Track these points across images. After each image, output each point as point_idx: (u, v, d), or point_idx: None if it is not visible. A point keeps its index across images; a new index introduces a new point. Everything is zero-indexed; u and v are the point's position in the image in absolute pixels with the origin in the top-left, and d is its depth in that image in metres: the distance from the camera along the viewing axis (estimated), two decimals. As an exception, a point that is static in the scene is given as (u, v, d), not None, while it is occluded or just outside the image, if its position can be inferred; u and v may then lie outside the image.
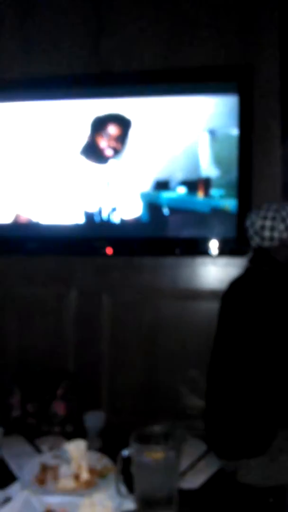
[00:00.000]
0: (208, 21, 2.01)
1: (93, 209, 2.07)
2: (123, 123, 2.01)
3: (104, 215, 2.06)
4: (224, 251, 1.94)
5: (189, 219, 2.00)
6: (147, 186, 2.03)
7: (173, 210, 2.01)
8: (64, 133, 2.10)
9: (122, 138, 2.03)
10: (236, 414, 1.51)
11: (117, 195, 2.05)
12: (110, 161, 2.06)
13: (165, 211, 2.02)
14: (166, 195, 2.01)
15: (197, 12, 2.02)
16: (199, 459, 1.67)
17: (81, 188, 2.09)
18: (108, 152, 2.03)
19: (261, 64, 1.95)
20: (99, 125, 2.04)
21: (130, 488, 1.34)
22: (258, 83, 1.95)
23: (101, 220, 2.06)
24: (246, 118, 1.92)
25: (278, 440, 1.48)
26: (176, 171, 2.01)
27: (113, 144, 2.02)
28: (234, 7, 1.99)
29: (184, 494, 1.41)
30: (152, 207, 2.01)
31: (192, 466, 1.61)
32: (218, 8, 2.00)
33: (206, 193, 1.98)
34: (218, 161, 1.98)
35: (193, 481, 1.52)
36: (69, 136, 2.09)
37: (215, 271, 2.01)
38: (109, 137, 2.03)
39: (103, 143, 2.02)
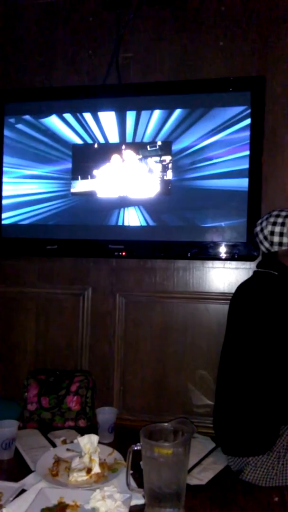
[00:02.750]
0: (223, 35, 2.04)
1: (109, 213, 2.11)
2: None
3: (120, 219, 2.09)
4: (234, 255, 1.95)
5: (202, 229, 2.03)
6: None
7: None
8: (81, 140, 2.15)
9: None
10: (243, 412, 1.54)
11: (133, 202, 2.09)
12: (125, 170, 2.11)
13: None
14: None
15: (212, 28, 2.05)
16: (206, 456, 1.70)
17: (98, 191, 2.13)
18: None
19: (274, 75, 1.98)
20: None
21: (140, 483, 1.38)
22: (270, 93, 1.97)
23: (116, 223, 2.10)
24: (257, 126, 1.93)
25: (284, 439, 1.52)
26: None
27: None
28: (246, 24, 2.01)
29: (192, 490, 1.44)
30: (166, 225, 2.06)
31: (199, 463, 1.64)
32: (233, 23, 2.03)
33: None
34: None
35: (201, 477, 1.54)
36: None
37: (225, 274, 2.03)
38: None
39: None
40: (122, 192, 2.09)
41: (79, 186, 2.14)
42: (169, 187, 2.04)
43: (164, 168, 2.04)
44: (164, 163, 2.04)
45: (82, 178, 2.13)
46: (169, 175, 2.04)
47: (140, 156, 2.07)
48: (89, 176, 2.12)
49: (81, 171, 2.14)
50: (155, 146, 2.04)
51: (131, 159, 2.08)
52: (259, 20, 2.00)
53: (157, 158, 2.05)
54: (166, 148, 2.04)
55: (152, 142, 2.06)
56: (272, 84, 1.97)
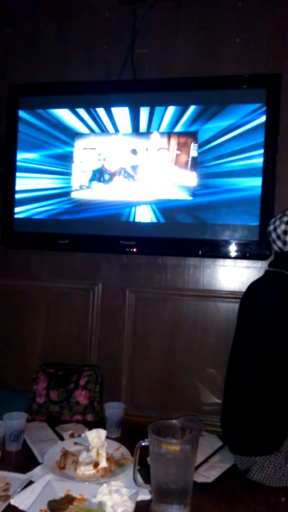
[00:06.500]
0: (239, 32, 2.02)
1: (121, 209, 2.11)
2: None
3: (131, 215, 2.09)
4: (246, 254, 1.94)
5: (213, 227, 2.01)
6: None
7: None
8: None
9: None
10: (251, 411, 1.53)
11: (144, 199, 2.09)
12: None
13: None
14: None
15: (229, 24, 2.03)
16: (213, 454, 1.70)
17: (110, 187, 2.13)
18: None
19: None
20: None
21: (147, 479, 1.38)
22: (286, 90, 1.95)
23: (128, 219, 2.09)
24: (272, 124, 1.92)
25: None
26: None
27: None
28: (264, 21, 2.00)
29: (198, 487, 1.44)
30: (177, 222, 2.05)
31: (206, 461, 1.64)
32: (250, 20, 2.01)
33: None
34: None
35: (207, 475, 1.54)
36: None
37: (236, 273, 2.02)
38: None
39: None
40: (134, 188, 2.09)
41: (86, 187, 2.15)
42: (183, 185, 2.03)
43: (181, 164, 2.03)
44: (183, 159, 2.03)
45: (93, 178, 2.14)
46: (183, 171, 2.03)
47: (154, 150, 2.07)
48: (100, 176, 2.13)
49: (90, 167, 2.14)
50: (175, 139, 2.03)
51: (144, 154, 2.08)
52: (276, 17, 1.98)
53: (177, 152, 2.04)
54: (186, 141, 2.03)
55: (170, 133, 2.05)
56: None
